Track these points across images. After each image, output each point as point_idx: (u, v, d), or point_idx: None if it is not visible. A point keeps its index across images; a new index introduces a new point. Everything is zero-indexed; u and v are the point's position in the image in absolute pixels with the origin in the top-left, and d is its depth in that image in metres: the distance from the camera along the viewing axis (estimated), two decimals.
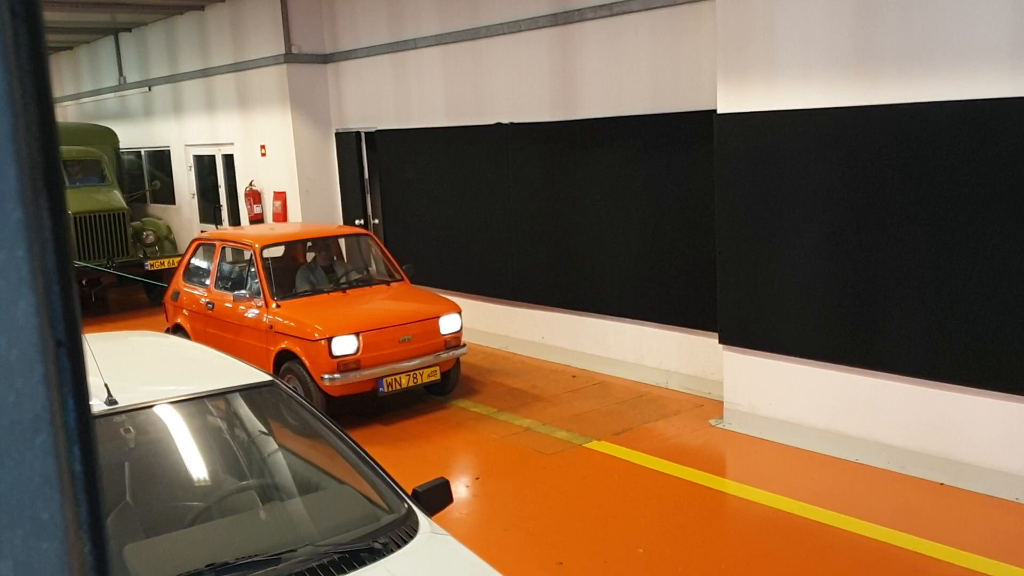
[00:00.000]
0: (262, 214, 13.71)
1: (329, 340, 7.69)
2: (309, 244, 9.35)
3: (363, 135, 12.50)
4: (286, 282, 8.61)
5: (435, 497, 3.69)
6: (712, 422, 7.83)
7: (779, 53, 6.97)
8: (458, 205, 10.86)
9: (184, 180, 15.97)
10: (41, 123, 0.77)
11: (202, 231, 13.39)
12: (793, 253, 7.06)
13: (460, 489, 6.71)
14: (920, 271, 6.35)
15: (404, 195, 11.76)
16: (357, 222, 12.68)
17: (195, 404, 3.96)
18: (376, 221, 12.62)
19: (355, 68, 12.45)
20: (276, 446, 4.11)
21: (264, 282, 8.35)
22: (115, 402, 3.62)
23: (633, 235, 8.86)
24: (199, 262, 9.64)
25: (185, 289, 9.49)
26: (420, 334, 8.18)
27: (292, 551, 3.24)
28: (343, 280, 8.97)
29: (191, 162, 15.68)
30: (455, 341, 8.45)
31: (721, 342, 7.71)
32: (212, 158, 15.05)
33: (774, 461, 7.03)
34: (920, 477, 6.49)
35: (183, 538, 3.47)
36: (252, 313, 8.38)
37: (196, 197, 15.68)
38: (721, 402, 7.87)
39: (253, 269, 8.55)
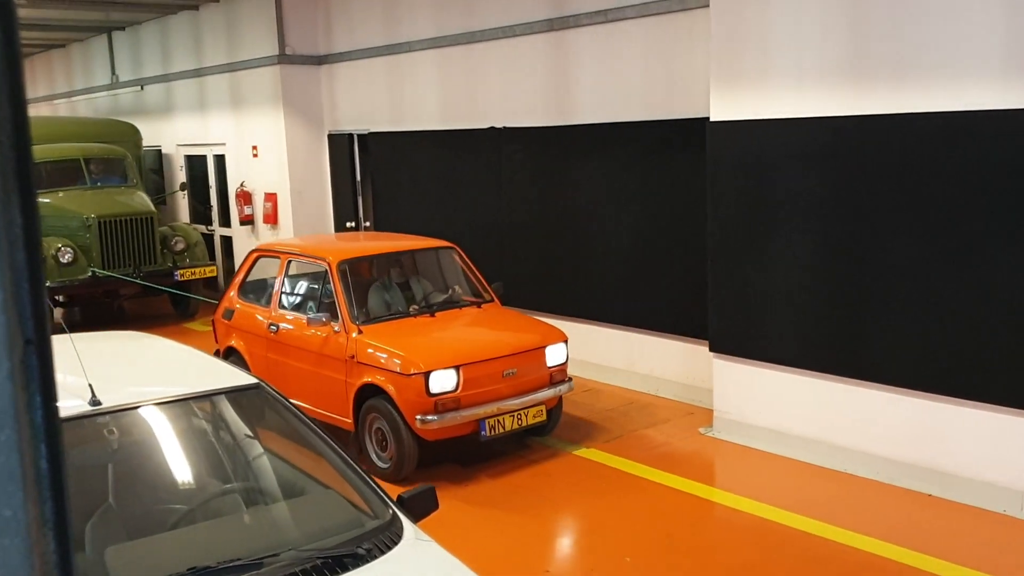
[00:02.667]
0: (252, 215, 13.66)
1: (427, 375, 6.57)
2: (390, 259, 8.09)
3: (356, 137, 12.47)
4: (362, 303, 7.50)
5: (420, 503, 3.66)
6: (702, 430, 7.81)
7: (772, 62, 6.97)
8: (450, 209, 10.84)
9: (175, 180, 15.90)
10: (13, 121, 0.75)
11: (259, 247, 12.05)
12: (784, 262, 7.06)
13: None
14: (910, 281, 6.34)
15: (396, 198, 11.73)
16: (348, 224, 12.64)
17: (180, 406, 3.92)
18: (367, 224, 12.59)
19: (349, 70, 12.42)
20: (261, 449, 4.08)
21: (343, 303, 7.21)
22: (99, 403, 3.59)
23: (625, 242, 8.84)
24: (259, 277, 8.59)
25: (241, 308, 8.34)
26: (525, 367, 7.07)
27: (275, 555, 3.21)
28: (425, 301, 7.83)
29: (182, 162, 15.62)
30: (561, 375, 7.34)
31: (712, 350, 7.70)
32: (204, 158, 15.00)
33: (763, 470, 7.01)
34: (908, 488, 6.48)
35: (165, 541, 3.44)
36: (327, 339, 7.25)
37: (187, 197, 15.58)
38: (711, 410, 7.86)
39: (328, 287, 7.43)
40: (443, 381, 6.63)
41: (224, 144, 14.29)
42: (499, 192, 10.12)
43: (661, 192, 8.44)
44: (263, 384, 4.11)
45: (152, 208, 12.89)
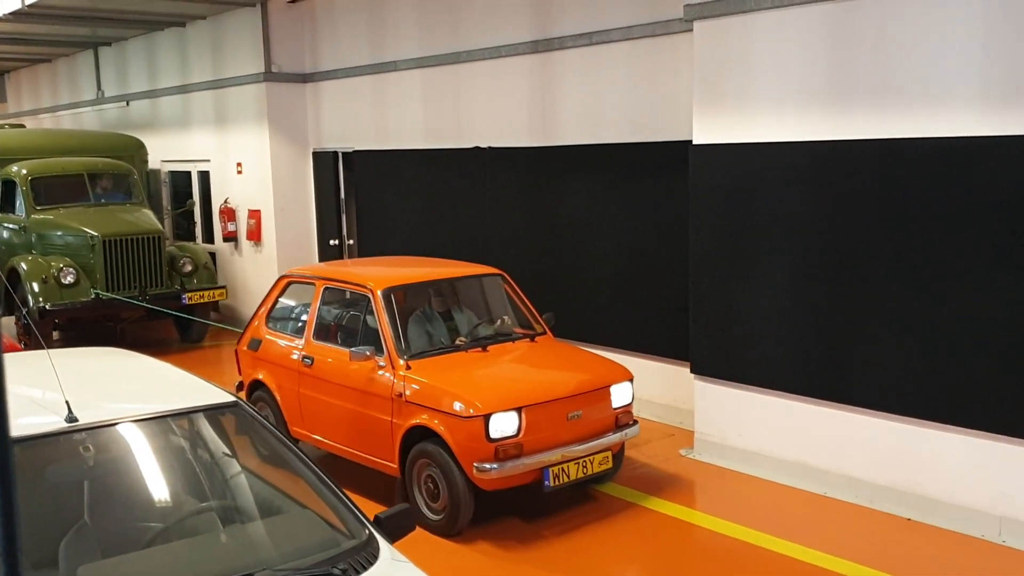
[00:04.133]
0: (236, 231, 13.63)
1: (486, 418, 5.94)
2: (435, 287, 7.44)
3: (340, 155, 12.48)
4: (407, 335, 6.80)
5: (397, 523, 3.65)
6: (682, 452, 7.81)
7: (754, 86, 7.02)
8: (434, 227, 10.85)
9: (161, 196, 15.85)
10: None
11: (290, 271, 11.22)
12: (765, 285, 7.09)
13: None
14: (890, 306, 6.38)
15: (380, 216, 11.74)
16: (332, 242, 12.63)
17: (158, 423, 3.90)
18: (351, 241, 12.58)
19: (334, 88, 12.45)
20: (238, 468, 4.06)
21: (388, 335, 6.60)
22: (75, 419, 3.57)
23: (608, 263, 8.87)
24: (290, 304, 7.97)
25: (269, 338, 7.69)
26: (590, 408, 6.44)
27: (250, 575, 3.20)
28: (473, 333, 7.16)
29: (166, 178, 15.58)
30: (626, 417, 6.70)
31: (693, 371, 7.72)
32: (188, 174, 14.97)
33: (743, 493, 7.02)
34: (887, 512, 6.49)
35: (140, 560, 3.41)
36: (371, 375, 6.61)
37: (170, 214, 15.51)
38: (692, 432, 7.87)
39: (370, 318, 6.86)
40: (504, 425, 6.00)
41: (208, 160, 14.27)
42: (483, 212, 10.14)
43: (644, 214, 8.48)
44: (241, 402, 4.09)
45: (159, 227, 12.31)
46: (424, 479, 6.33)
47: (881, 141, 6.33)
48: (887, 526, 6.32)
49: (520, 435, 6.05)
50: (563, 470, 6.24)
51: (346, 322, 7.32)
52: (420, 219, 11.05)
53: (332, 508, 3.68)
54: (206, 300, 12.24)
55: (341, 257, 12.52)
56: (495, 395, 6.11)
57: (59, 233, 12.01)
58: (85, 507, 3.65)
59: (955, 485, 6.21)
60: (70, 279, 11.38)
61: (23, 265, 11.60)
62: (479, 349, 6.86)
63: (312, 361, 7.12)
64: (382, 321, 6.66)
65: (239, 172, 13.52)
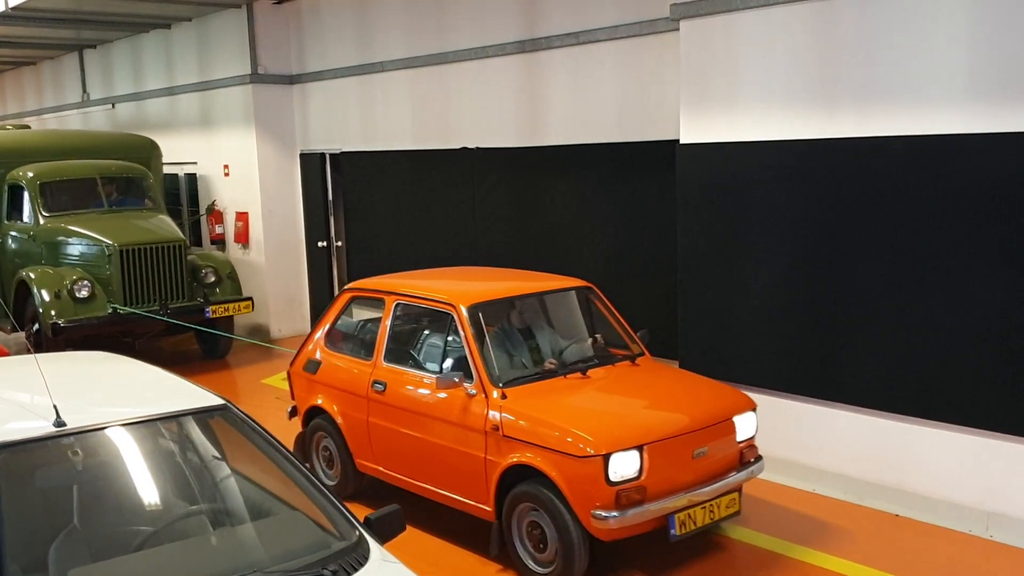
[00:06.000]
0: (224, 234, 13.60)
1: (606, 458, 5.12)
2: (524, 302, 6.63)
3: (328, 156, 12.47)
4: (499, 358, 6.04)
5: (387, 525, 3.65)
6: None
7: (741, 85, 7.05)
8: (422, 228, 10.85)
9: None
10: None
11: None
12: (753, 283, 7.12)
13: None
14: (877, 303, 6.42)
15: (368, 217, 11.73)
16: (320, 244, 12.60)
17: (146, 427, 3.89)
18: (339, 243, 12.56)
19: (321, 89, 12.43)
20: (228, 471, 4.05)
21: (478, 359, 5.83)
22: (64, 424, 3.56)
23: (597, 263, 8.88)
24: (353, 322, 7.30)
25: (330, 359, 6.96)
26: (716, 444, 5.66)
27: None
28: (565, 354, 6.38)
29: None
30: (751, 452, 5.92)
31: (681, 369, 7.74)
32: (175, 177, 14.92)
33: None
34: (875, 508, 6.53)
35: (130, 563, 3.41)
36: (459, 404, 5.84)
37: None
38: None
39: (455, 338, 6.13)
40: (625, 465, 5.20)
41: (195, 163, 14.23)
42: (471, 212, 10.15)
43: (631, 213, 8.49)
44: (230, 405, 4.09)
45: (180, 235, 11.32)
46: (527, 525, 5.59)
47: (868, 139, 6.36)
48: (875, 522, 6.35)
49: (642, 477, 5.26)
50: (689, 516, 5.45)
51: (424, 343, 6.61)
52: (408, 220, 11.04)
53: (322, 510, 3.68)
54: (231, 313, 11.33)
55: (330, 259, 12.50)
56: (613, 431, 5.32)
57: (72, 242, 11.08)
58: (74, 511, 3.64)
59: (943, 481, 6.25)
60: (85, 292, 10.44)
61: (33, 277, 10.65)
62: (578, 374, 6.08)
63: (385, 387, 6.37)
64: (470, 343, 5.92)
65: (226, 175, 13.49)
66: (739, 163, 7.10)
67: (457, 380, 5.77)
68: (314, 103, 12.62)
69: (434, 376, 6.04)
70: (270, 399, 9.80)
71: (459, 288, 6.54)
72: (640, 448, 5.24)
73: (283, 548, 3.50)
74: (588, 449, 5.15)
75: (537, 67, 9.36)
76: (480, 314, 6.10)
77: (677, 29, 7.47)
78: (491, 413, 5.62)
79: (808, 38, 6.63)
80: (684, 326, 7.65)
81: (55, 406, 3.58)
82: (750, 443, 5.91)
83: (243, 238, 13.15)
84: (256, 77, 12.66)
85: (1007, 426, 5.90)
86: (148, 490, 3.94)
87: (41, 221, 11.38)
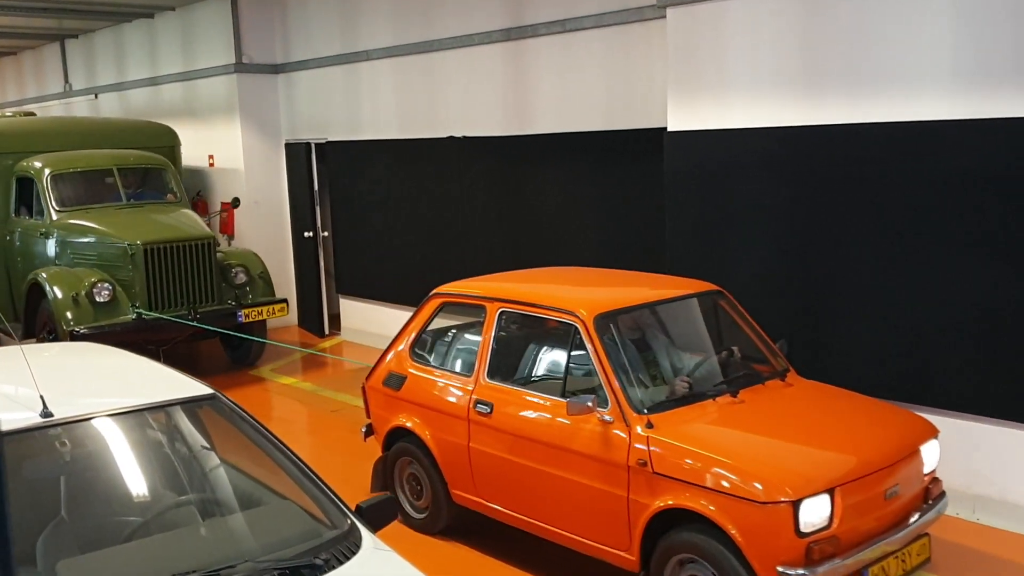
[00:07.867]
0: (210, 225, 13.51)
1: (795, 504, 4.24)
2: (655, 311, 5.75)
3: (313, 146, 12.41)
4: (637, 378, 5.17)
5: (379, 513, 3.64)
6: None
7: (728, 72, 7.05)
8: (409, 217, 10.82)
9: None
10: None
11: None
12: (741, 270, 7.12)
13: None
14: (865, 290, 6.44)
15: (354, 207, 11.69)
16: (306, 234, 12.55)
17: (135, 417, 3.87)
18: (325, 233, 12.52)
19: (307, 78, 12.37)
20: (217, 460, 4.03)
21: (614, 380, 4.95)
22: (51, 414, 3.53)
23: (585, 251, 8.87)
24: (445, 331, 6.48)
25: (419, 374, 6.12)
26: (906, 480, 4.82)
27: (231, 567, 3.18)
28: (697, 371, 5.47)
29: None
30: (936, 487, 5.08)
31: None
32: None
33: None
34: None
35: (119, 554, 3.39)
36: (592, 433, 4.95)
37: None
38: None
39: (580, 354, 5.24)
40: (816, 512, 4.33)
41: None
42: (459, 201, 10.12)
43: (620, 201, 8.48)
44: (219, 394, 4.07)
45: (208, 231, 10.33)
46: None
47: (854, 125, 6.37)
48: None
49: (834, 525, 4.38)
50: (883, 569, 4.59)
51: (539, 358, 5.84)
52: (395, 208, 11.01)
53: (313, 498, 3.67)
54: (264, 317, 10.38)
55: (316, 249, 12.45)
56: (801, 470, 4.44)
57: (89, 240, 10.12)
58: (62, 503, 3.62)
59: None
60: (106, 295, 9.50)
61: (47, 278, 9.68)
62: (728, 396, 5.14)
63: (491, 409, 5.51)
64: (602, 359, 5.03)
65: (211, 165, 13.42)
66: (727, 150, 7.10)
67: (591, 404, 4.85)
68: (299, 92, 12.55)
69: (554, 399, 5.24)
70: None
71: (580, 295, 5.66)
72: (831, 491, 4.38)
73: (274, 537, 3.48)
74: (778, 495, 4.26)
75: (523, 55, 9.34)
76: (611, 325, 5.25)
77: (664, 16, 7.45)
78: (636, 445, 4.73)
79: (794, 25, 6.63)
80: None
81: (42, 397, 3.55)
82: (933, 476, 5.09)
83: (229, 229, 13.08)
84: (240, 67, 12.58)
85: (992, 410, 5.95)
86: (136, 481, 3.91)
87: (54, 217, 10.40)
